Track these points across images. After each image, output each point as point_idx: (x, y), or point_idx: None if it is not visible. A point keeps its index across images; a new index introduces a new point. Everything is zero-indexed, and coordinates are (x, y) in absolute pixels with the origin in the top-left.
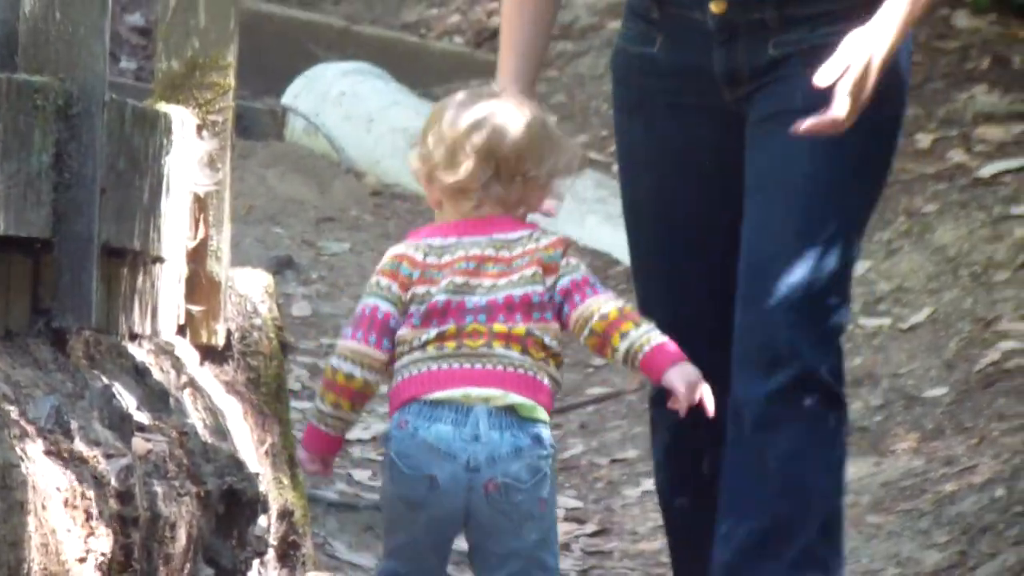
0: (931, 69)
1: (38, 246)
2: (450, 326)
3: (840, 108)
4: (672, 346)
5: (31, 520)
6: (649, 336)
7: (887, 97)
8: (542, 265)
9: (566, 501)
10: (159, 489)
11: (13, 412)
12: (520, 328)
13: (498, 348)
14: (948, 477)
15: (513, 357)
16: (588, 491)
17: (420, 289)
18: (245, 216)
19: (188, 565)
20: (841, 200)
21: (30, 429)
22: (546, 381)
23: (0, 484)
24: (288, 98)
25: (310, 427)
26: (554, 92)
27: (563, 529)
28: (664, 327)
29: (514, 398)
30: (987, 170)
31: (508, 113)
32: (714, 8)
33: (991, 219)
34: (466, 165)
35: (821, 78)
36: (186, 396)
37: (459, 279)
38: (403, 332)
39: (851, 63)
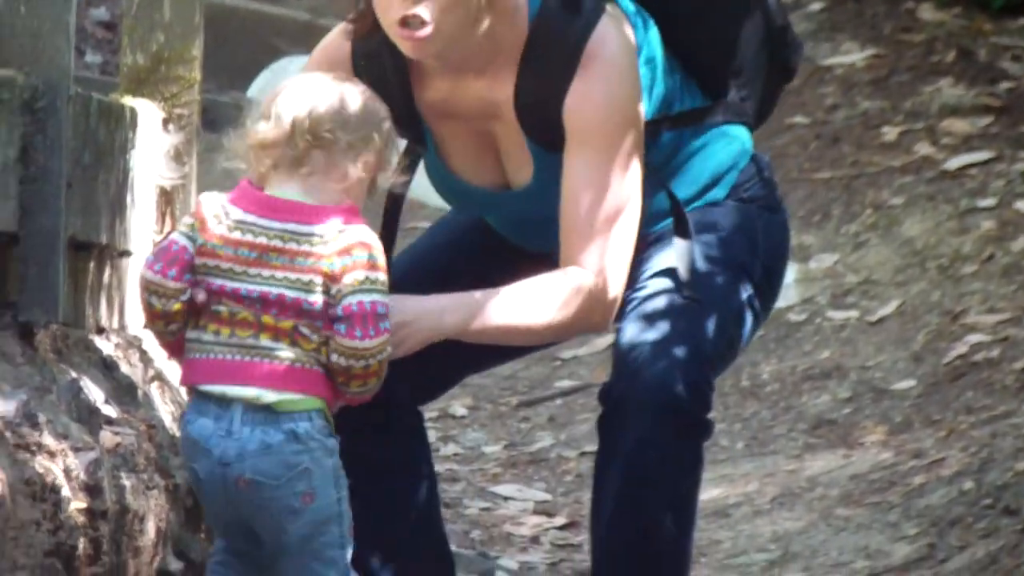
0: (897, 62)
1: (4, 240)
2: (223, 309)
3: None
4: None
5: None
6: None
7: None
8: (323, 274)
9: (535, 494)
10: (127, 482)
11: None
12: (287, 323)
13: (265, 341)
14: (917, 470)
15: (280, 350)
16: (557, 484)
17: (199, 261)
18: None
19: (157, 558)
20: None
21: None
22: (319, 369)
23: None
24: (253, 92)
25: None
26: None
27: (532, 522)
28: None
29: (269, 396)
30: (953, 163)
31: (327, 84)
32: None
33: (958, 212)
34: (268, 121)
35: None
36: (154, 389)
37: (238, 267)
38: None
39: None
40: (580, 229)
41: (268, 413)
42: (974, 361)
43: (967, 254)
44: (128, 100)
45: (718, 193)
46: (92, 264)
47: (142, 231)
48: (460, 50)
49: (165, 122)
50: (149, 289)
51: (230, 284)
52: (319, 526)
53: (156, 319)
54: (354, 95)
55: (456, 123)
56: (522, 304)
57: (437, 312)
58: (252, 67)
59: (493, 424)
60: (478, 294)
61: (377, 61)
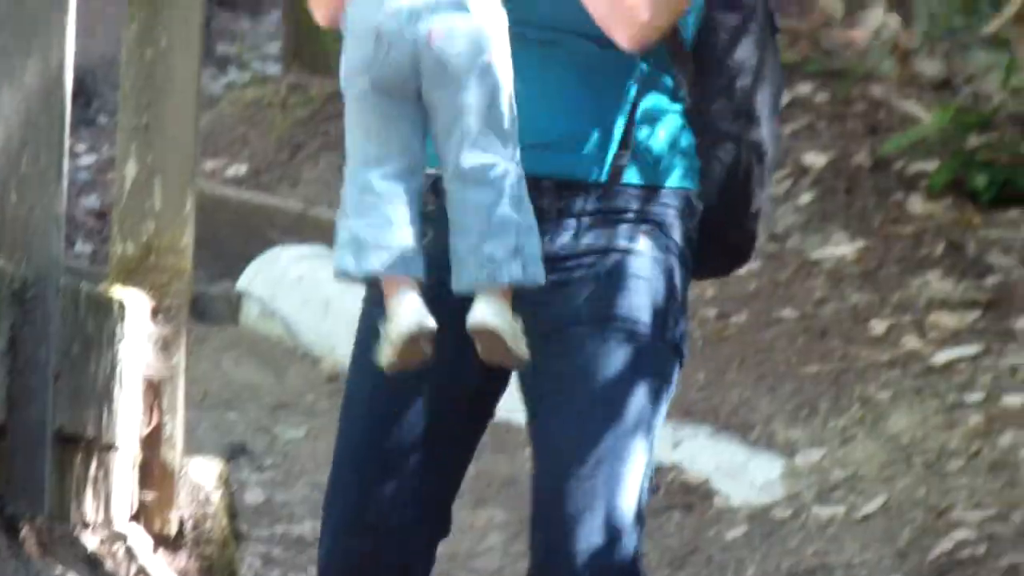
0: (885, 254)
1: None
2: None
3: None
4: None
5: None
6: None
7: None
8: None
9: None
10: None
11: None
12: None
13: None
14: None
15: None
16: None
17: None
18: (200, 402)
19: None
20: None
21: None
22: None
23: None
24: (244, 282)
25: None
26: None
27: None
28: None
29: None
30: (941, 357)
31: None
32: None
33: (945, 407)
34: None
35: None
36: None
37: None
38: None
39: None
40: None
41: None
42: (959, 559)
43: (953, 450)
44: (117, 290)
45: (674, 183)
46: (79, 457)
47: (129, 424)
48: None
49: (154, 312)
50: None
51: None
52: (492, 98)
53: None
54: None
55: None
56: None
57: None
58: (243, 258)
59: None
60: None
61: None
